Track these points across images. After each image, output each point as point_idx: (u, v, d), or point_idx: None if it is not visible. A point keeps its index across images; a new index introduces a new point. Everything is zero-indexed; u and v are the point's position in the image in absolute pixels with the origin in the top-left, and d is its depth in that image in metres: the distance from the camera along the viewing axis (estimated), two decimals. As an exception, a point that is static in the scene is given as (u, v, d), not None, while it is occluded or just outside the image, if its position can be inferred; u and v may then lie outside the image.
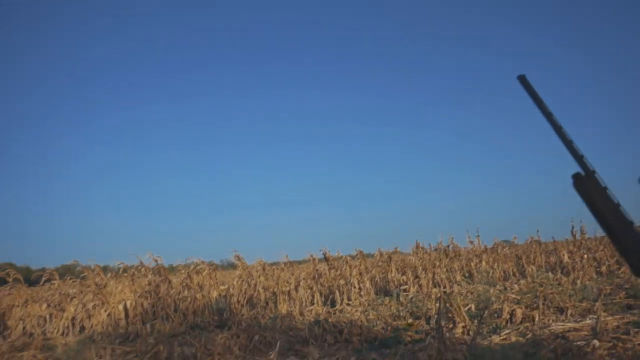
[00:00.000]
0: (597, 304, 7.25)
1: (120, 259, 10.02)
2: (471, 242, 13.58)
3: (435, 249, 13.36)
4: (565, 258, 12.04)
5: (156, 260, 9.45)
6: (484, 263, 12.22)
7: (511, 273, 11.54)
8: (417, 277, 11.17)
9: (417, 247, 13.80)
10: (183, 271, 9.87)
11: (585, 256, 11.99)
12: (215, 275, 10.23)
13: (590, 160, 0.97)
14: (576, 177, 0.98)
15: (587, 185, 0.97)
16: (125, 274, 9.97)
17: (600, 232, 14.87)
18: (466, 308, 7.56)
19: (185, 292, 9.27)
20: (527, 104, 1.10)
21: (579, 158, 0.99)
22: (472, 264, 12.22)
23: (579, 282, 9.77)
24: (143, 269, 9.57)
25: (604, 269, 11.41)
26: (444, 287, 10.57)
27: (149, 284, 9.25)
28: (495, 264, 12.01)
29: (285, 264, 12.68)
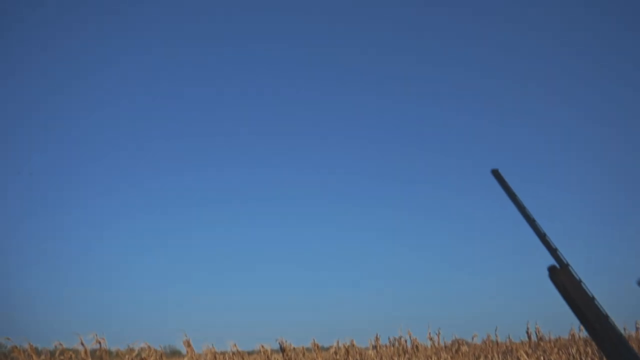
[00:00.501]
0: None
1: (59, 338, 9.16)
2: (431, 339, 13.34)
3: (393, 344, 13.00)
4: (524, 359, 11.94)
5: (99, 342, 8.72)
6: (442, 361, 11.95)
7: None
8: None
9: (377, 340, 13.42)
10: (127, 357, 9.11)
11: (542, 358, 11.97)
12: (161, 364, 9.50)
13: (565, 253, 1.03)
14: (552, 270, 1.01)
15: (563, 277, 1.00)
16: (62, 358, 9.10)
17: (553, 334, 15.00)
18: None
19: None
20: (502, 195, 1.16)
21: (553, 251, 1.03)
22: (430, 362, 11.92)
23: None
24: (82, 353, 8.79)
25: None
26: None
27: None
28: (454, 363, 11.76)
29: (234, 353, 11.92)
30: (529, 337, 14.44)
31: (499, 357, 12.69)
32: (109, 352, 8.95)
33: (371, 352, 12.49)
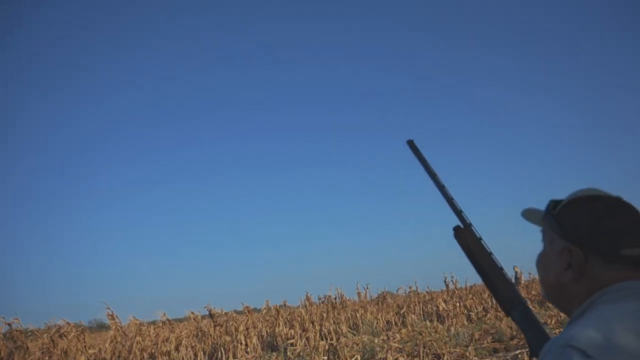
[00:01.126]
0: (469, 349, 7.81)
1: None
2: (358, 294, 13.94)
3: (323, 301, 13.46)
4: (442, 306, 12.88)
5: (9, 324, 8.17)
6: (369, 314, 12.56)
7: (394, 323, 12.00)
8: (304, 330, 11.08)
9: (307, 299, 13.81)
10: (45, 335, 8.64)
11: (458, 304, 12.94)
12: (84, 338, 9.13)
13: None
14: (456, 229, 1.11)
15: (465, 235, 1.10)
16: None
17: (469, 282, 16.25)
18: (353, 358, 7.65)
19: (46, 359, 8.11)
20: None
21: (458, 213, 1.13)
22: (357, 315, 12.49)
23: (452, 329, 10.45)
24: (-7, 334, 8.21)
25: (473, 315, 12.39)
26: (331, 339, 10.60)
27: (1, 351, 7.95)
28: (380, 314, 12.41)
29: (163, 322, 11.79)
30: (447, 286, 15.55)
31: (420, 306, 13.57)
32: (24, 332, 8.44)
33: (301, 310, 12.84)
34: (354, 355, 7.72)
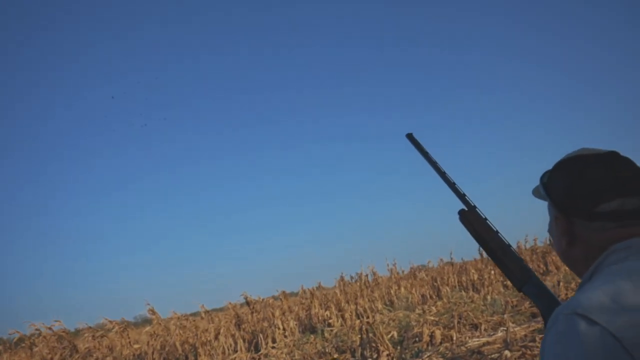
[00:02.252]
0: (506, 316, 7.72)
1: (14, 326, 8.90)
2: (390, 270, 13.94)
3: (357, 280, 13.52)
4: (475, 276, 12.76)
5: (50, 328, 8.48)
6: (402, 289, 12.56)
7: (428, 296, 11.98)
8: (340, 310, 11.18)
9: (341, 279, 13.89)
10: (87, 334, 8.97)
11: (492, 272, 12.79)
12: (128, 334, 9.46)
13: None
14: (461, 213, 1.13)
15: (470, 218, 1.12)
16: (23, 345, 8.88)
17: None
18: (389, 336, 7.67)
19: (93, 357, 8.44)
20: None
21: (461, 196, 1.15)
22: (392, 291, 12.50)
23: (489, 297, 10.34)
24: (42, 337, 8.59)
25: (509, 283, 12.23)
26: (367, 317, 10.67)
27: (50, 353, 8.31)
28: (414, 289, 12.40)
29: (204, 313, 12.09)
30: (481, 255, 15.38)
31: (454, 277, 13.48)
32: (69, 333, 8.79)
33: (337, 291, 12.94)
34: (390, 332, 7.74)
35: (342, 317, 10.77)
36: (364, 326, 7.42)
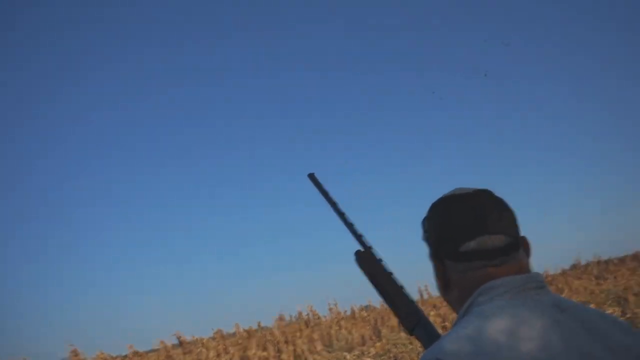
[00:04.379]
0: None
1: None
2: (330, 310, 13.78)
3: (297, 320, 13.23)
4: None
5: None
6: (343, 330, 12.40)
7: (368, 337, 11.87)
8: (279, 351, 10.85)
9: (280, 318, 13.55)
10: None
11: (432, 313, 12.92)
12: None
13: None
14: (357, 253, 1.13)
15: (366, 258, 1.12)
16: None
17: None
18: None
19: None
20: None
21: (358, 237, 1.15)
22: (332, 332, 12.31)
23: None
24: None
25: (448, 324, 12.37)
26: (305, 358, 10.40)
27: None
28: (354, 329, 12.27)
29: (132, 354, 11.34)
30: (421, 296, 15.56)
31: (394, 317, 13.48)
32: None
33: (276, 331, 12.59)
34: (325, 374, 7.55)
35: (279, 358, 10.44)
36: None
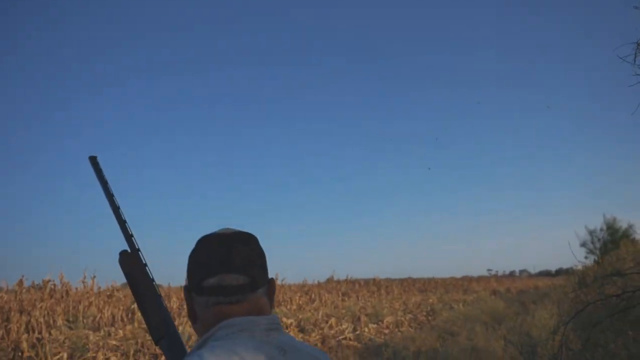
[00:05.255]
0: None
1: None
2: (84, 283, 12.62)
3: (40, 288, 11.72)
4: (175, 304, 12.63)
5: None
6: (93, 307, 11.46)
7: (120, 318, 11.21)
8: (7, 320, 9.39)
9: (20, 284, 11.78)
10: None
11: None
12: None
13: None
14: (122, 254, 1.09)
15: (131, 261, 1.08)
16: None
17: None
18: (57, 357, 6.80)
19: None
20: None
21: (128, 237, 1.10)
22: (80, 307, 11.26)
23: (184, 328, 10.33)
24: None
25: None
26: (39, 332, 9.26)
27: None
28: (106, 308, 11.45)
29: None
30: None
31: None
32: None
33: (4, 295, 10.98)
34: (59, 352, 6.86)
35: (6, 328, 9.05)
36: (27, 343, 6.39)
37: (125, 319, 11.12)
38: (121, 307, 11.83)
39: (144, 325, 8.27)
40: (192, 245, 0.96)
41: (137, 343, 8.69)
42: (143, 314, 1.06)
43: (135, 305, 12.18)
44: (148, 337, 9.07)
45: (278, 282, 20.94)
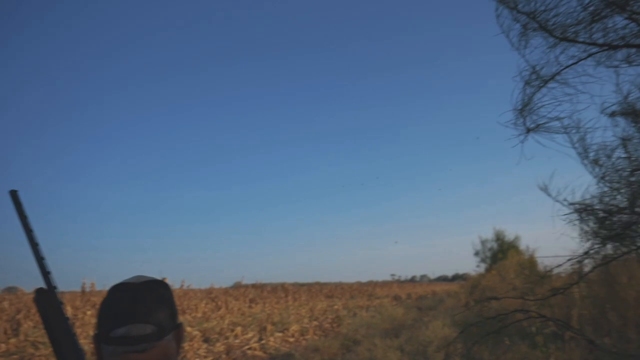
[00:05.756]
0: None
1: None
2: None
3: None
4: (70, 311, 11.79)
5: None
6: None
7: (2, 331, 10.24)
8: None
9: None
10: None
11: (89, 312, 12.18)
12: None
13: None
14: (39, 292, 1.06)
15: (47, 299, 1.07)
16: None
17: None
18: None
19: None
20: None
21: (45, 274, 1.08)
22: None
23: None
24: None
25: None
26: None
27: None
28: (-12, 319, 10.40)
29: None
30: (83, 290, 14.54)
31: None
32: None
33: None
34: None
35: None
36: None
37: (10, 332, 10.19)
38: (4, 319, 10.81)
39: (31, 339, 7.68)
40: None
41: (22, 359, 8.04)
42: (56, 353, 1.05)
43: (20, 316, 11.22)
44: (36, 353, 8.43)
45: (183, 288, 20.29)
